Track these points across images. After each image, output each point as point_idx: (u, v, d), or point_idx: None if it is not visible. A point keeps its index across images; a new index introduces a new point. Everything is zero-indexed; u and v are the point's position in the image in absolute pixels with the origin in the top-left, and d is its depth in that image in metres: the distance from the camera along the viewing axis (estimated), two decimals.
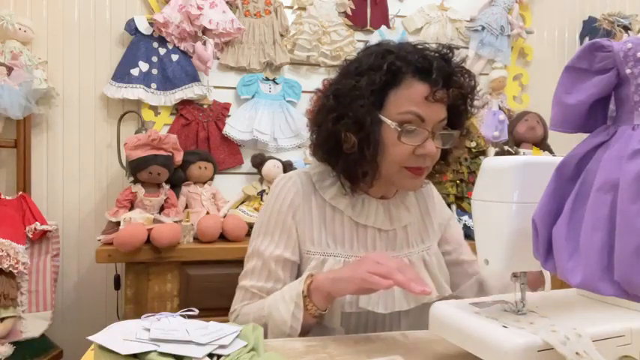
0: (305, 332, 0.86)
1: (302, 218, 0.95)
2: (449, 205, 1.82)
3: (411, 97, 0.87)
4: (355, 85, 0.88)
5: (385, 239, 0.98)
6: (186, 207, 1.75)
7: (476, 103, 0.96)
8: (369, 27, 2.08)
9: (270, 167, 1.83)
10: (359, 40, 2.04)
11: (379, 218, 0.97)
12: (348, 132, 0.88)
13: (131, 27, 1.86)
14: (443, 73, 0.87)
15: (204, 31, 1.88)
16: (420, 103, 0.87)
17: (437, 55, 0.90)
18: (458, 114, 0.93)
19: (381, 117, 0.88)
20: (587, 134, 0.56)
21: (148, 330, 0.68)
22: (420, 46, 0.91)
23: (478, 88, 0.95)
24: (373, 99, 0.87)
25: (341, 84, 0.92)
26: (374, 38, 2.02)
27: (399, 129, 0.87)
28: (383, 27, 2.07)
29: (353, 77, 0.89)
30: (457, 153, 1.00)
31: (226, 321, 0.78)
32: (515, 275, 0.70)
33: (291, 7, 2.04)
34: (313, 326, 0.87)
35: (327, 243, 0.94)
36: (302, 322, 0.83)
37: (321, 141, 0.94)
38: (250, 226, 1.60)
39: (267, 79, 1.98)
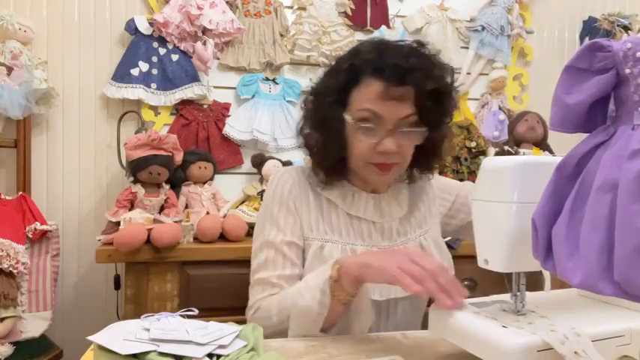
0: (331, 323, 0.83)
1: (300, 206, 0.98)
2: None
3: (368, 95, 0.90)
4: (326, 85, 0.94)
5: (380, 230, 0.99)
6: (186, 207, 1.75)
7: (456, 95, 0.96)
8: (369, 27, 2.08)
9: (270, 167, 1.83)
10: (359, 40, 2.03)
11: (369, 211, 0.98)
12: (314, 129, 0.95)
13: (131, 27, 1.86)
14: (397, 70, 0.86)
15: (204, 31, 1.88)
16: (374, 101, 0.89)
17: (397, 52, 0.89)
18: (426, 110, 0.90)
19: (344, 115, 0.92)
20: (587, 134, 0.56)
21: (148, 330, 0.68)
22: (382, 45, 0.92)
23: (457, 83, 0.96)
24: (337, 98, 0.92)
25: (317, 84, 0.98)
26: None
27: (356, 127, 0.90)
28: (383, 27, 2.06)
29: (328, 77, 0.96)
30: (447, 145, 1.00)
31: (226, 321, 0.78)
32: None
33: (291, 7, 2.04)
34: (340, 315, 0.84)
35: (325, 230, 0.97)
36: (329, 310, 0.80)
37: (305, 138, 1.01)
38: (250, 226, 1.60)
39: (267, 79, 1.98)
